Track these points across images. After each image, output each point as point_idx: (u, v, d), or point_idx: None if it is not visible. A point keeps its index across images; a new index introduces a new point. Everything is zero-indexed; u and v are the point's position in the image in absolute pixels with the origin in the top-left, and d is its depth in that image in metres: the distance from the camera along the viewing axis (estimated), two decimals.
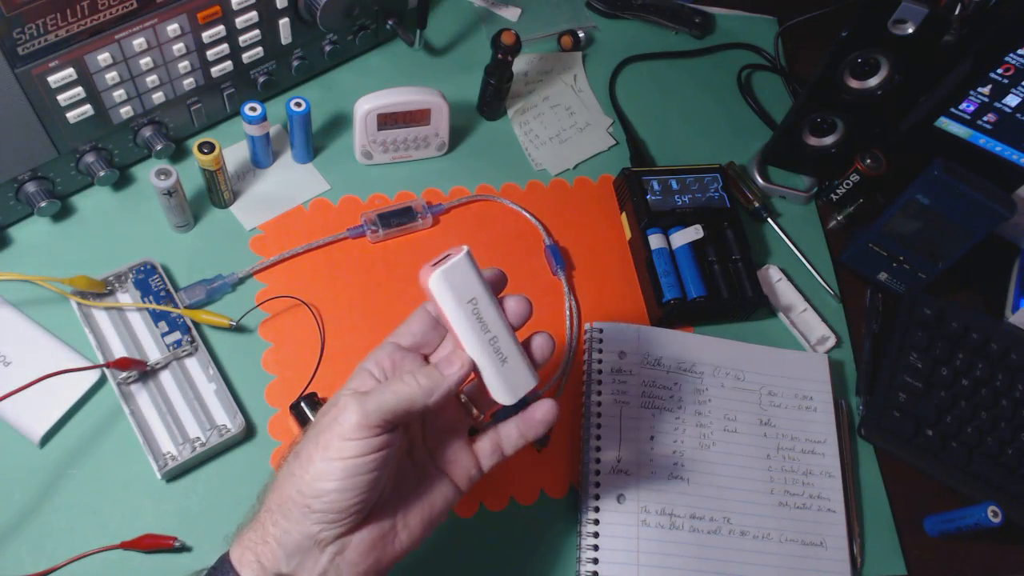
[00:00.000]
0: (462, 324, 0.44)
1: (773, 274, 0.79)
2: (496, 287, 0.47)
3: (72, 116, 0.63)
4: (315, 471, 0.41)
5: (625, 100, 0.89)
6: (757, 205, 0.83)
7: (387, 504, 0.45)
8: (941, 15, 0.68)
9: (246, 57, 0.71)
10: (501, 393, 0.46)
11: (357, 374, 0.46)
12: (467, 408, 0.49)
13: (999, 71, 0.73)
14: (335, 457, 0.41)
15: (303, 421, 0.63)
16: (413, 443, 0.48)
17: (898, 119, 0.84)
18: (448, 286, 0.44)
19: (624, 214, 0.80)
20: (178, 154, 0.74)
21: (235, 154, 0.75)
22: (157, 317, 0.65)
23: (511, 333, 0.46)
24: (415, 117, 0.75)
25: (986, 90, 0.75)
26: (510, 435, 0.49)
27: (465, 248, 0.45)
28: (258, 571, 0.42)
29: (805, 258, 0.81)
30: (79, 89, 0.62)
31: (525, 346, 0.47)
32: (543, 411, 0.49)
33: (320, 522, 0.42)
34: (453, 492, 0.48)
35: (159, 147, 0.70)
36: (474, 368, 0.45)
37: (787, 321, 0.77)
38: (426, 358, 0.48)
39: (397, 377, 0.44)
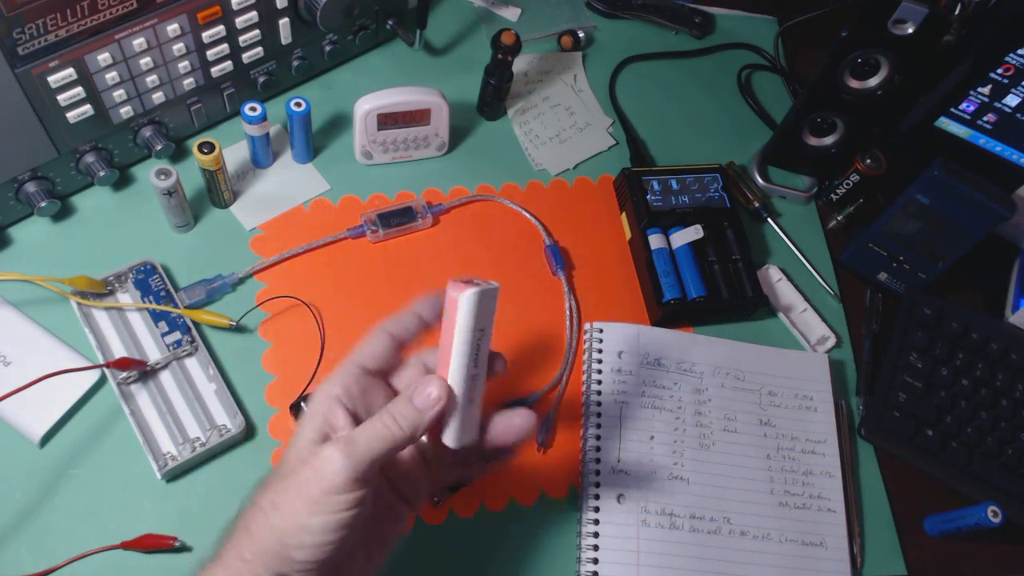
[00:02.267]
0: (464, 349, 0.43)
1: (773, 274, 0.79)
2: None
3: (72, 116, 0.63)
4: (310, 527, 0.40)
5: (625, 100, 0.89)
6: (757, 205, 0.83)
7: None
8: (941, 15, 0.68)
9: (246, 57, 0.71)
10: (452, 434, 0.44)
11: (325, 402, 0.44)
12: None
13: (999, 71, 0.73)
14: (324, 512, 0.40)
15: None
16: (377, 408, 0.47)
17: (898, 119, 0.84)
18: (476, 307, 0.43)
19: (624, 214, 0.80)
20: (178, 154, 0.74)
21: (235, 154, 0.75)
22: (157, 317, 0.65)
23: (483, 381, 0.45)
24: (415, 117, 0.75)
25: (986, 90, 0.75)
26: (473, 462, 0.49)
27: (497, 283, 0.44)
28: None
29: (805, 258, 0.81)
30: (79, 89, 0.62)
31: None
32: (515, 443, 0.47)
33: (300, 570, 0.41)
34: (406, 514, 0.48)
35: (159, 147, 0.70)
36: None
37: (787, 321, 0.77)
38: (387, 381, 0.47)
39: (376, 418, 0.42)
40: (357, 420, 0.44)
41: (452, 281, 0.44)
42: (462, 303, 0.43)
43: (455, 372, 0.44)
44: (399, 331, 0.47)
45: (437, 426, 0.45)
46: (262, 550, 0.41)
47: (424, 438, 0.46)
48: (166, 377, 0.63)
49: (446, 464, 0.48)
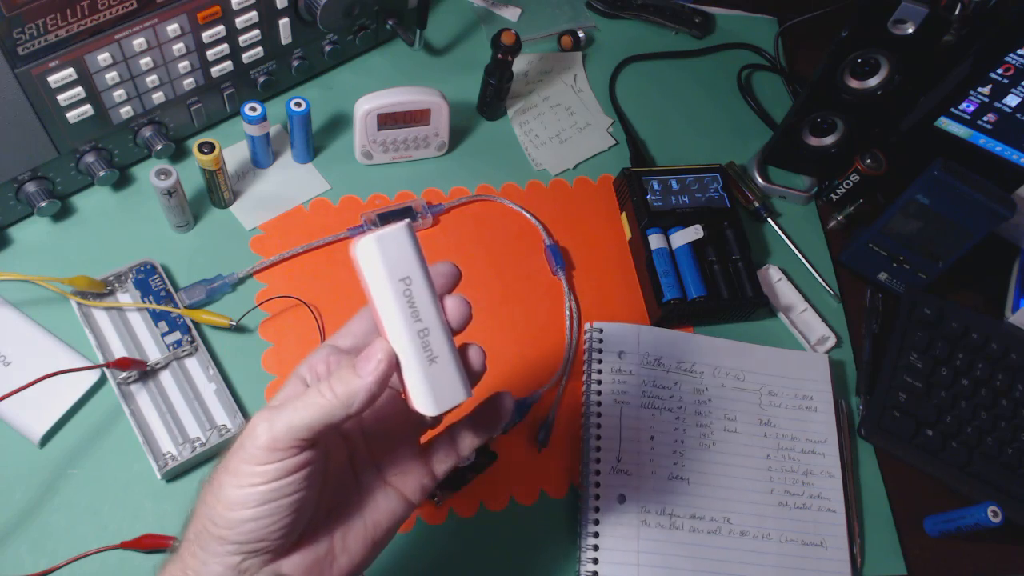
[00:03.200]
0: (388, 304, 0.37)
1: (773, 274, 0.79)
2: (446, 283, 0.41)
3: (72, 116, 0.63)
4: (226, 499, 0.37)
5: (625, 100, 0.89)
6: (757, 205, 0.83)
7: (320, 526, 0.41)
8: (941, 15, 0.68)
9: (246, 57, 0.71)
10: (423, 399, 0.38)
11: (289, 381, 0.41)
12: (417, 415, 0.42)
13: (999, 71, 0.73)
14: (245, 484, 0.36)
15: None
16: (354, 454, 0.43)
17: (898, 119, 0.84)
18: (379, 256, 0.36)
19: (624, 214, 0.80)
20: (178, 154, 0.74)
21: (235, 154, 0.75)
22: (157, 317, 0.65)
23: (447, 332, 0.38)
24: (415, 117, 0.75)
25: (986, 90, 0.75)
26: (464, 436, 0.43)
27: (406, 220, 0.38)
28: None
29: (805, 258, 0.81)
30: (79, 89, 0.62)
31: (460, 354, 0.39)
32: (500, 404, 0.42)
33: (238, 552, 0.37)
34: (402, 506, 0.43)
35: (159, 147, 0.70)
36: (396, 364, 0.38)
37: (787, 321, 0.77)
38: None
39: (312, 388, 0.37)
40: None
41: (356, 238, 0.37)
42: (360, 255, 0.37)
43: (392, 332, 0.38)
44: None
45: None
46: (198, 529, 0.39)
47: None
48: (166, 377, 0.63)
49: (440, 450, 0.44)
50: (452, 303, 0.39)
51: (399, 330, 0.37)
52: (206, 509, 0.38)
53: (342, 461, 0.43)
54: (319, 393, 0.37)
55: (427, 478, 0.43)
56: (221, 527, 0.37)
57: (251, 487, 0.36)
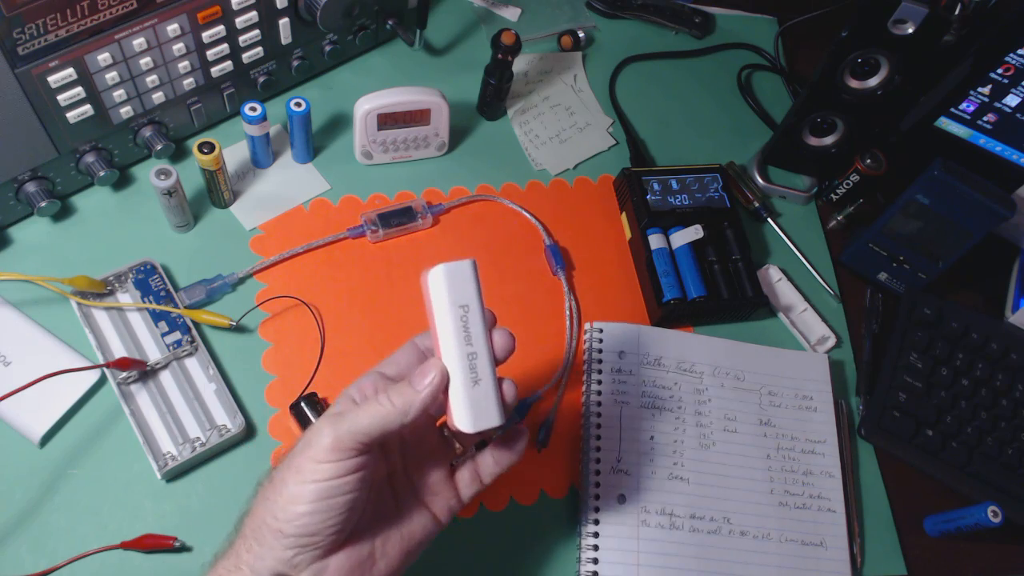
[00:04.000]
0: (447, 327, 0.43)
1: (773, 274, 0.79)
2: (495, 321, 0.46)
3: (72, 116, 0.63)
4: (288, 494, 0.41)
5: (625, 100, 0.89)
6: (757, 205, 0.83)
7: (364, 531, 0.45)
8: (941, 15, 0.68)
9: (246, 57, 0.71)
10: (463, 416, 0.44)
11: (339, 400, 0.45)
12: (449, 441, 0.48)
13: (999, 71, 0.73)
14: (308, 480, 0.40)
15: (303, 421, 0.63)
16: (393, 472, 0.48)
17: (898, 119, 0.84)
18: (446, 283, 0.43)
19: (624, 214, 0.80)
20: (178, 154, 0.74)
21: (235, 154, 0.75)
22: (157, 317, 0.65)
23: (492, 360, 0.44)
24: (415, 117, 0.75)
25: (986, 90, 0.75)
26: (486, 463, 0.49)
27: (473, 259, 0.44)
28: None
29: (805, 258, 0.81)
30: (79, 89, 0.62)
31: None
32: (515, 441, 0.48)
33: (294, 546, 0.41)
34: (433, 524, 0.48)
35: (159, 147, 0.70)
36: (446, 382, 0.43)
37: (787, 321, 0.77)
38: None
39: (371, 399, 0.43)
40: None
41: (427, 268, 0.44)
42: (431, 281, 0.43)
43: (447, 353, 0.43)
44: (426, 343, 0.48)
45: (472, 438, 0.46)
46: (256, 524, 0.42)
47: (459, 447, 0.48)
48: (166, 377, 0.63)
49: (465, 476, 0.49)
50: (500, 335, 0.45)
51: (452, 350, 0.43)
52: (267, 505, 0.42)
53: (383, 477, 0.47)
54: (379, 403, 0.42)
55: (454, 501, 0.48)
56: (281, 520, 0.41)
57: (313, 483, 0.40)
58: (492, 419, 0.44)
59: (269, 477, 0.43)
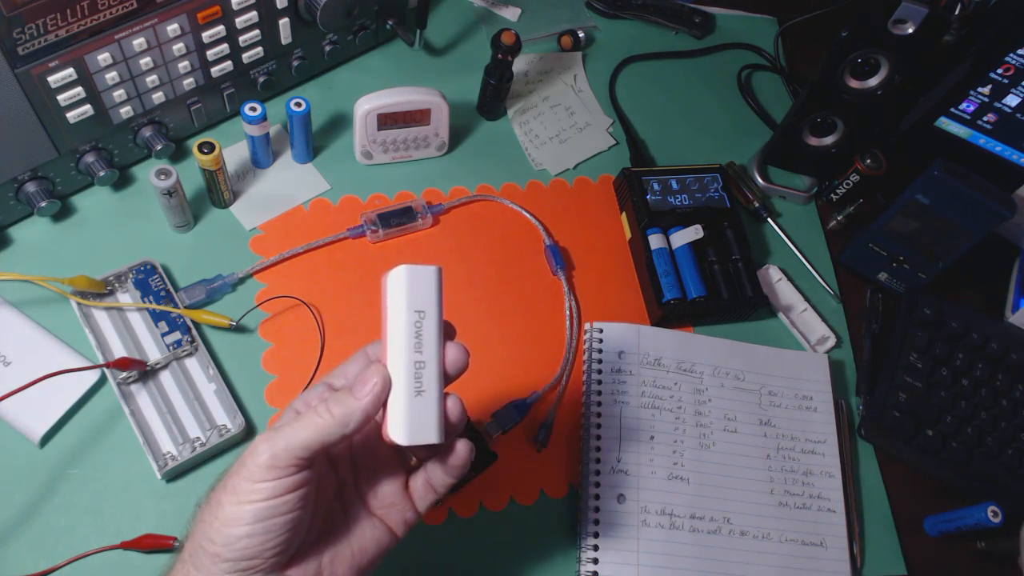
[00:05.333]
0: (398, 330, 0.40)
1: (773, 274, 0.79)
2: (451, 335, 0.44)
3: (72, 116, 0.63)
4: (224, 516, 0.38)
5: (625, 100, 0.89)
6: (757, 205, 0.83)
7: (311, 549, 0.42)
8: (941, 15, 0.68)
9: (246, 57, 0.71)
10: (398, 427, 0.40)
11: (285, 414, 0.43)
12: (403, 453, 0.46)
13: (999, 71, 0.73)
14: (244, 500, 0.38)
15: None
16: (343, 485, 0.45)
17: (898, 119, 0.84)
18: (406, 285, 0.40)
19: (624, 214, 0.80)
20: (178, 154, 0.74)
21: (235, 154, 0.75)
22: (157, 317, 0.65)
23: (439, 373, 0.41)
24: (415, 117, 0.75)
25: (986, 90, 0.75)
26: (437, 474, 0.45)
27: (438, 266, 0.42)
28: None
29: (805, 258, 0.81)
30: (79, 89, 0.62)
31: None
32: (459, 452, 0.44)
33: (232, 571, 0.39)
34: (388, 538, 0.45)
35: (159, 147, 0.70)
36: (389, 390, 0.41)
37: (787, 321, 0.77)
38: None
39: (310, 410, 0.40)
40: None
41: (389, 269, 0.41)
42: (390, 282, 0.41)
43: (394, 357, 0.40)
44: (376, 353, 0.45)
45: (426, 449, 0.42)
46: (194, 548, 0.40)
47: (414, 459, 0.46)
48: (166, 377, 0.63)
49: (419, 488, 0.46)
50: (453, 349, 0.42)
51: (399, 355, 0.40)
52: (203, 527, 0.39)
53: (331, 491, 0.45)
54: (317, 414, 0.39)
55: (410, 512, 0.46)
56: (217, 544, 0.39)
57: (249, 504, 0.38)
58: (430, 435, 0.41)
59: (207, 499, 0.40)
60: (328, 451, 0.40)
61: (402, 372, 0.40)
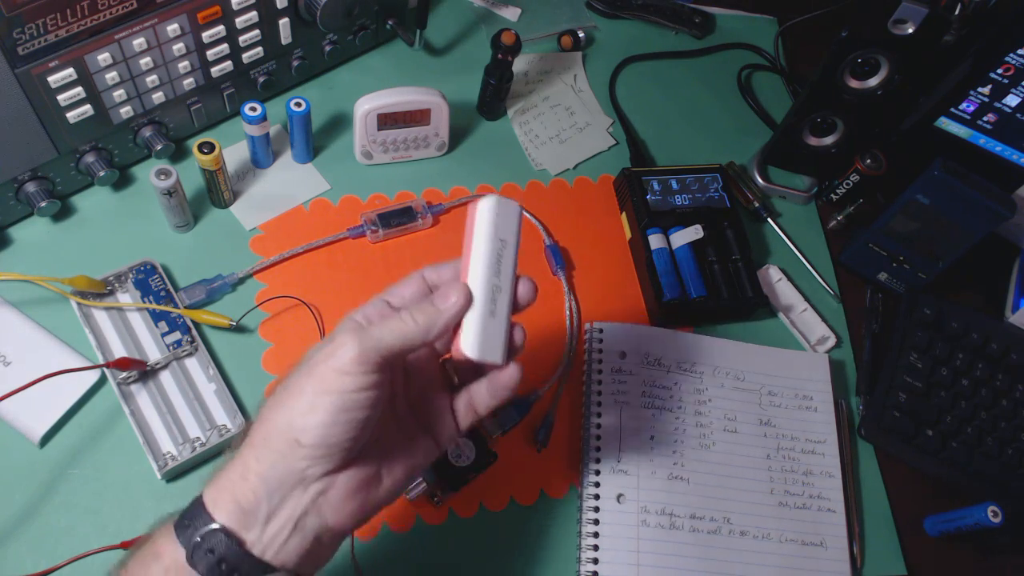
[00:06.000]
0: (482, 254, 0.44)
1: (773, 274, 0.79)
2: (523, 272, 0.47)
3: (72, 116, 0.63)
4: (306, 403, 0.40)
5: (625, 100, 0.89)
6: (757, 205, 0.83)
7: (372, 449, 0.44)
8: (941, 15, 0.68)
9: (246, 57, 0.71)
10: (470, 342, 0.43)
11: (343, 324, 0.44)
12: (447, 375, 0.48)
13: (999, 71, 0.73)
14: (329, 390, 0.40)
15: None
16: (395, 396, 0.47)
17: (898, 119, 0.84)
18: (494, 214, 0.44)
19: (624, 214, 0.80)
20: (178, 154, 0.74)
21: (235, 154, 0.75)
22: (157, 317, 0.65)
23: (511, 300, 0.45)
24: (415, 117, 0.75)
25: (986, 90, 0.75)
26: (481, 395, 0.47)
27: (521, 204, 0.46)
28: (234, 512, 0.40)
29: (805, 258, 0.81)
30: (79, 89, 0.62)
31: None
32: (510, 373, 0.46)
33: (308, 457, 0.40)
34: (434, 448, 0.47)
35: (159, 147, 0.70)
36: (469, 306, 0.43)
37: (787, 321, 0.77)
38: None
39: (394, 315, 0.42)
40: None
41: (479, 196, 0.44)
42: (481, 208, 0.44)
43: (474, 277, 0.43)
44: (433, 278, 0.47)
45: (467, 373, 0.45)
46: (268, 432, 0.41)
47: (457, 380, 0.48)
48: (166, 377, 0.63)
49: (462, 407, 0.48)
50: (525, 283, 0.45)
51: (479, 277, 0.43)
52: (283, 412, 0.41)
53: (389, 400, 0.46)
54: (402, 320, 0.42)
55: (453, 428, 0.48)
56: (297, 429, 0.40)
57: (337, 393, 0.40)
58: (496, 355, 0.44)
59: (284, 384, 0.41)
60: (405, 355, 0.42)
61: (480, 292, 0.43)
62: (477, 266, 0.44)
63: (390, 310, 0.45)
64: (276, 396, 0.42)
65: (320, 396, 0.40)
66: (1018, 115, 0.76)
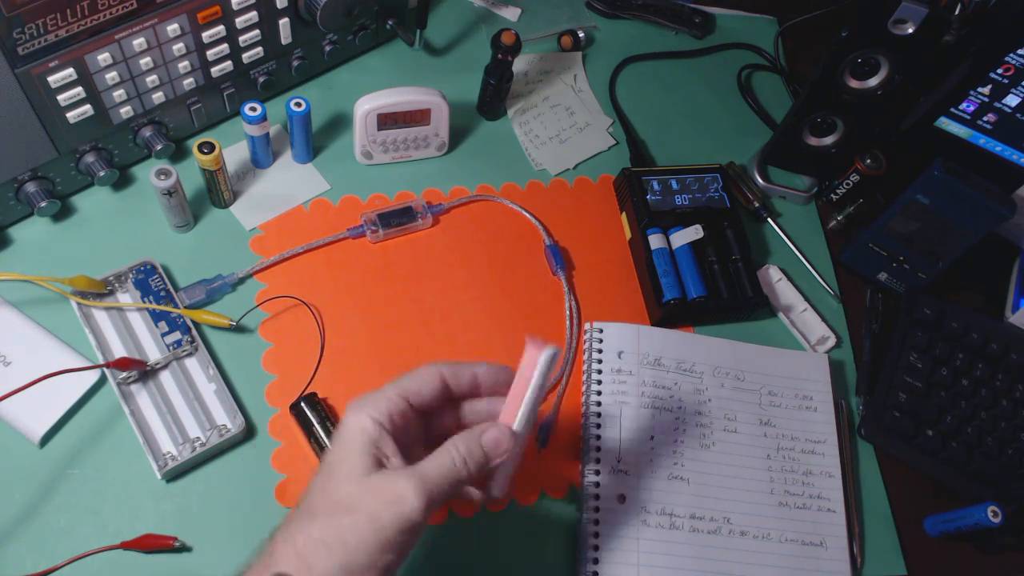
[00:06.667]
0: (532, 405, 0.47)
1: (773, 274, 0.79)
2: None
3: (72, 116, 0.63)
4: (371, 562, 0.41)
5: (625, 100, 0.89)
6: (757, 205, 0.83)
7: None
8: (941, 15, 0.68)
9: (246, 57, 0.71)
10: (499, 482, 0.49)
11: (372, 428, 0.44)
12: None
13: (999, 71, 0.73)
14: (398, 549, 0.42)
15: (303, 421, 0.63)
16: (412, 443, 0.48)
17: (898, 119, 0.84)
18: (550, 367, 0.46)
19: (624, 214, 0.80)
20: (178, 154, 0.74)
21: (235, 154, 0.75)
22: (157, 317, 0.65)
23: (526, 441, 0.49)
24: (415, 117, 0.75)
25: (986, 90, 0.75)
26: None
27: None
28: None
29: (805, 258, 0.81)
30: (79, 89, 0.62)
31: None
32: (498, 489, 0.50)
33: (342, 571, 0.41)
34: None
35: (159, 147, 0.70)
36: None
37: (787, 321, 0.77)
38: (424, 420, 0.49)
39: (445, 454, 0.44)
40: (401, 451, 0.45)
41: (530, 338, 0.46)
42: (542, 361, 0.46)
43: (521, 425, 0.47)
44: (453, 381, 0.48)
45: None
46: (312, 545, 0.41)
47: None
48: (166, 377, 0.63)
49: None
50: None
51: (524, 427, 0.47)
52: (341, 571, 0.41)
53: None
54: (454, 463, 0.44)
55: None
56: (355, 570, 0.41)
57: (405, 550, 0.43)
58: (499, 490, 0.49)
59: (338, 539, 0.41)
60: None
61: (521, 439, 0.47)
62: (525, 415, 0.47)
63: (412, 415, 0.46)
64: (328, 549, 0.41)
65: (386, 554, 0.41)
66: (1018, 115, 0.76)
